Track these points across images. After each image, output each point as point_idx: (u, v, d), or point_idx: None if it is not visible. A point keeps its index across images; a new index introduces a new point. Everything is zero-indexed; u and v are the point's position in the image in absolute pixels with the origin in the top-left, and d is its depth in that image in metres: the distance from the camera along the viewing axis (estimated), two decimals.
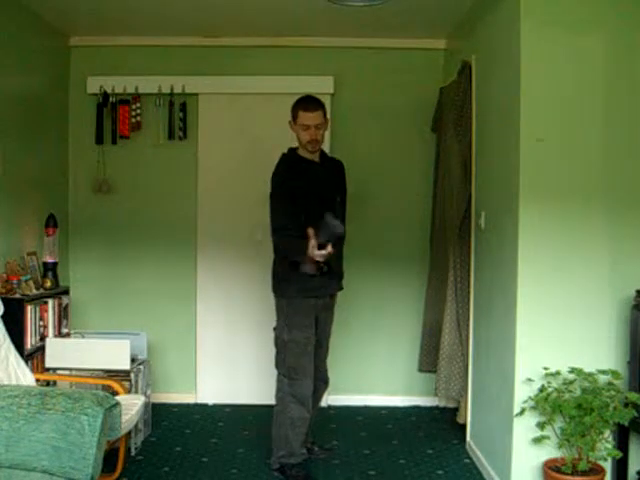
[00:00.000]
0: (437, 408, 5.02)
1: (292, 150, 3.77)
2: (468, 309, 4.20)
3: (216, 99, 5.00)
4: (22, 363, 3.51)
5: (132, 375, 4.01)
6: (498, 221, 3.65)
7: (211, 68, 4.95)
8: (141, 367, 4.16)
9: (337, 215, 3.50)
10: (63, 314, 4.30)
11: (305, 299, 3.66)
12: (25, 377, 3.46)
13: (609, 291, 3.30)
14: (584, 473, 3.08)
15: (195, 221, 5.05)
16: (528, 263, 3.28)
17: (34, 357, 3.94)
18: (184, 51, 4.97)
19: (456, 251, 4.27)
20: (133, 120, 4.92)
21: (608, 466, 3.23)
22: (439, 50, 4.97)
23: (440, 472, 3.84)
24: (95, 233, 5.04)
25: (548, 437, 3.22)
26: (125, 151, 4.98)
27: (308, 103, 3.65)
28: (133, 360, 4.08)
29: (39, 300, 4.04)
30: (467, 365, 4.19)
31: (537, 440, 3.23)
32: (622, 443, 3.19)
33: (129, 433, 3.73)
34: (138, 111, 4.93)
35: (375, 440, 4.36)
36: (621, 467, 3.20)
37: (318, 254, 3.37)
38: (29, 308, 3.88)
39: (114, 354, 3.97)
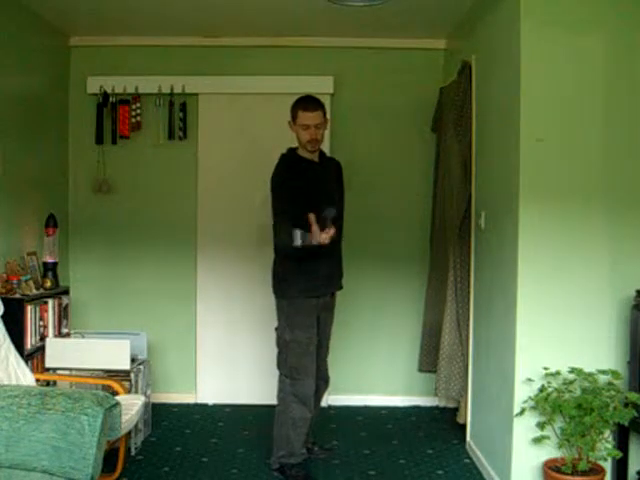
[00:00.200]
0: (437, 408, 5.02)
1: (292, 150, 3.78)
2: (468, 309, 4.20)
3: (216, 99, 5.00)
4: (22, 363, 3.51)
5: (132, 375, 4.01)
6: (498, 221, 3.65)
7: (211, 68, 4.95)
8: (141, 367, 4.16)
9: (337, 215, 3.50)
10: (63, 314, 4.30)
11: (307, 299, 3.66)
12: (25, 377, 3.46)
13: (609, 291, 3.30)
14: (584, 473, 3.08)
15: (195, 221, 5.05)
16: (528, 263, 3.28)
17: (34, 357, 3.94)
18: (184, 51, 4.97)
19: (456, 251, 4.27)
20: (133, 120, 4.92)
21: (608, 466, 3.23)
22: (439, 50, 4.97)
23: (440, 472, 3.84)
24: (95, 233, 5.04)
25: (548, 437, 3.22)
26: (125, 151, 4.98)
27: (308, 103, 3.65)
28: (133, 360, 4.08)
29: (39, 300, 4.03)
30: (467, 365, 4.19)
31: (537, 440, 3.23)
32: (622, 443, 3.19)
33: (129, 433, 3.73)
34: (138, 111, 4.93)
35: (375, 440, 4.36)
36: (621, 467, 3.20)
37: (324, 237, 3.37)
38: (29, 308, 3.88)
39: (114, 354, 3.97)
